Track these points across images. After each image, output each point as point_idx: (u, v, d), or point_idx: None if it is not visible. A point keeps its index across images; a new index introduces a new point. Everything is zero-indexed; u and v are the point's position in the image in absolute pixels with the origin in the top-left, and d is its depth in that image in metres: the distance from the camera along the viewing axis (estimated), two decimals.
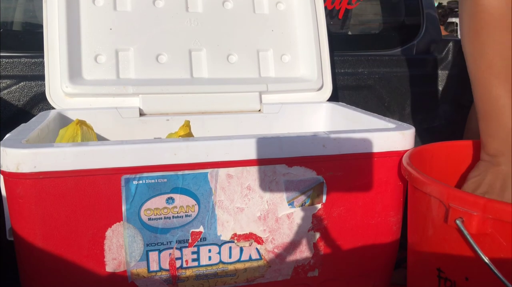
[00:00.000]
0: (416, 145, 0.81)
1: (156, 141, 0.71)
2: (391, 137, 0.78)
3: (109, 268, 0.70)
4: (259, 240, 0.76)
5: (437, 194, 0.63)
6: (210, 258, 0.75)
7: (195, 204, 0.72)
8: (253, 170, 0.73)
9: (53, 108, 1.00)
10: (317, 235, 0.79)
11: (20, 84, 1.13)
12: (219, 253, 0.75)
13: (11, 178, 0.64)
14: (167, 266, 0.73)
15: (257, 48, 1.14)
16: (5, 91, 1.12)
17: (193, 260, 0.74)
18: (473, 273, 0.62)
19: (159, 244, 0.72)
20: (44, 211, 0.65)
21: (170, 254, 0.73)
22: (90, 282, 0.70)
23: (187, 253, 0.74)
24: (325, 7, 1.21)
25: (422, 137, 1.47)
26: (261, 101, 1.10)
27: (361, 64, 1.39)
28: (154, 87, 1.03)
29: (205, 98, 1.06)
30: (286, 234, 0.77)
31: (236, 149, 0.71)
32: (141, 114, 1.03)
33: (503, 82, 0.73)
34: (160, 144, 0.69)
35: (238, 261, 0.77)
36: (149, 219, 0.70)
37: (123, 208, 0.69)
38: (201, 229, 0.73)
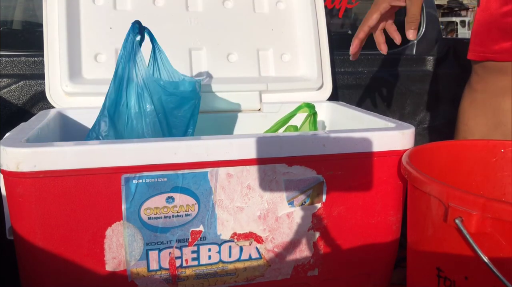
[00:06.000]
0: (416, 144, 0.81)
1: (156, 140, 0.71)
2: (391, 136, 0.78)
3: (109, 267, 0.71)
4: (259, 239, 0.77)
5: (436, 193, 0.63)
6: (210, 257, 0.75)
7: (195, 203, 0.72)
8: (253, 170, 0.73)
9: (53, 107, 1.00)
10: (317, 234, 0.79)
11: (20, 83, 1.13)
12: (219, 252, 0.75)
13: (11, 177, 0.64)
14: (167, 265, 0.73)
15: (257, 47, 1.14)
16: (5, 90, 1.12)
17: (193, 259, 0.74)
18: (473, 272, 0.62)
19: (159, 243, 0.72)
20: (44, 210, 0.66)
21: (170, 253, 0.73)
22: (90, 281, 0.70)
23: (187, 252, 0.74)
24: (325, 6, 1.21)
25: (422, 137, 1.47)
26: (261, 100, 1.10)
27: (361, 63, 1.39)
28: None
29: (205, 97, 1.06)
30: (286, 234, 0.77)
31: (236, 149, 0.71)
32: None
33: None
34: (160, 143, 0.69)
35: (238, 260, 0.77)
36: (149, 218, 0.70)
37: (123, 207, 0.69)
38: (201, 228, 0.73)
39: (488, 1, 1.04)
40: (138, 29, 0.84)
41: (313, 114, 0.99)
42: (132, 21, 0.85)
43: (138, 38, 0.86)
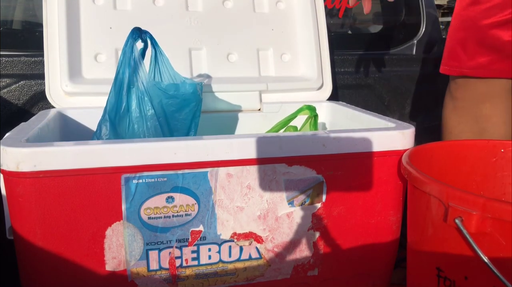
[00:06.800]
0: (416, 144, 0.81)
1: (156, 140, 0.71)
2: (391, 136, 0.78)
3: (109, 267, 0.71)
4: (259, 239, 0.77)
5: (436, 193, 0.64)
6: (210, 257, 0.75)
7: (195, 203, 0.72)
8: (253, 169, 0.73)
9: (53, 107, 1.00)
10: (317, 234, 0.79)
11: (20, 83, 1.13)
12: (219, 252, 0.75)
13: (11, 177, 0.64)
14: (167, 265, 0.73)
15: (257, 47, 1.14)
16: (5, 90, 1.12)
17: (193, 259, 0.74)
18: (473, 272, 0.62)
19: (159, 243, 0.72)
20: (44, 210, 0.65)
21: (170, 253, 0.73)
22: (90, 281, 0.70)
23: (187, 252, 0.74)
24: (325, 6, 1.21)
25: (422, 137, 1.47)
26: (261, 100, 1.10)
27: (361, 63, 1.39)
28: None
29: (205, 97, 1.06)
30: (286, 233, 0.77)
31: (236, 148, 0.71)
32: None
33: None
34: (160, 143, 0.69)
35: (238, 260, 0.77)
36: (149, 218, 0.70)
37: (123, 207, 0.69)
38: (201, 228, 0.73)
39: (465, 14, 1.02)
40: (138, 35, 0.84)
41: (314, 116, 0.99)
42: (133, 27, 0.85)
43: (142, 45, 0.86)
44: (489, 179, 0.85)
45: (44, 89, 1.01)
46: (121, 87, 0.83)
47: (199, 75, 1.09)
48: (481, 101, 1.02)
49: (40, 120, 0.85)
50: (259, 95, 1.10)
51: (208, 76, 1.10)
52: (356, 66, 1.38)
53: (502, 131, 1.01)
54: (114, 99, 0.83)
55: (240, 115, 1.09)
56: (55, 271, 0.69)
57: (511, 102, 1.03)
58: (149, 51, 0.89)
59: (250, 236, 0.76)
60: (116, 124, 0.83)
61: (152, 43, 0.88)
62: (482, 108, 1.02)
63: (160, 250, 0.72)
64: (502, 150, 0.84)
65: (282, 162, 0.74)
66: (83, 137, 0.96)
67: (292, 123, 1.01)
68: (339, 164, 0.76)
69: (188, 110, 0.88)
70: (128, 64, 0.83)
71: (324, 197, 0.77)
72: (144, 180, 0.69)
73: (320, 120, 1.13)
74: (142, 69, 0.84)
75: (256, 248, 0.77)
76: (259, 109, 1.11)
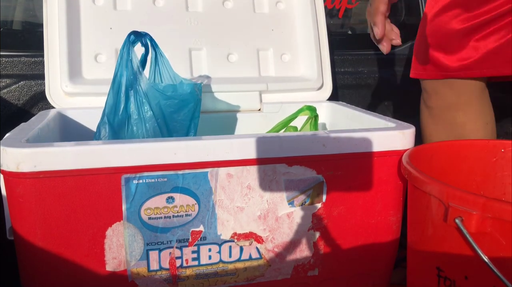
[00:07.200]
0: (416, 144, 0.81)
1: (156, 140, 0.71)
2: (391, 136, 0.79)
3: (109, 267, 0.71)
4: (259, 239, 0.77)
5: (436, 193, 0.64)
6: (210, 257, 0.75)
7: (195, 204, 0.72)
8: (253, 170, 0.73)
9: (53, 107, 1.00)
10: (317, 234, 0.79)
11: (20, 83, 1.13)
12: (219, 252, 0.75)
13: (11, 177, 0.64)
14: (167, 265, 0.73)
15: (257, 47, 1.14)
16: (5, 90, 1.13)
17: (193, 259, 0.74)
18: (473, 272, 0.62)
19: (159, 243, 0.72)
20: (44, 211, 0.66)
21: (170, 253, 0.73)
22: (90, 281, 0.70)
23: (187, 252, 0.74)
24: (325, 6, 1.21)
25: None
26: (261, 101, 1.10)
27: (361, 63, 1.39)
28: None
29: (205, 97, 1.06)
30: (286, 233, 0.78)
31: (236, 149, 0.71)
32: None
33: None
34: (160, 143, 0.69)
35: (238, 260, 0.77)
36: (149, 218, 0.70)
37: (123, 207, 0.69)
38: (201, 228, 0.73)
39: (438, 20, 1.01)
40: (135, 37, 0.84)
41: (314, 117, 0.99)
42: (133, 27, 0.85)
43: (143, 49, 0.86)
44: (489, 179, 0.85)
45: (44, 89, 1.01)
46: (119, 89, 0.83)
47: (199, 76, 1.09)
48: (453, 110, 1.02)
49: (40, 121, 0.85)
50: (259, 95, 1.10)
51: (208, 77, 1.10)
52: (356, 66, 1.38)
53: (479, 136, 1.01)
54: (112, 101, 0.84)
55: (240, 115, 1.09)
56: (55, 271, 0.69)
57: (483, 107, 1.03)
58: (149, 53, 0.89)
59: (250, 236, 0.76)
60: (115, 126, 0.83)
61: (152, 45, 0.88)
62: (456, 116, 1.02)
63: (160, 250, 0.72)
64: (502, 150, 0.84)
65: (282, 162, 0.74)
66: (83, 138, 0.96)
67: (292, 124, 1.01)
68: (339, 164, 0.76)
69: (186, 111, 0.88)
70: (126, 67, 0.83)
71: (324, 197, 0.77)
72: (144, 181, 0.69)
73: (320, 120, 1.13)
74: (140, 71, 0.84)
75: (257, 248, 0.77)
76: (259, 109, 1.11)
